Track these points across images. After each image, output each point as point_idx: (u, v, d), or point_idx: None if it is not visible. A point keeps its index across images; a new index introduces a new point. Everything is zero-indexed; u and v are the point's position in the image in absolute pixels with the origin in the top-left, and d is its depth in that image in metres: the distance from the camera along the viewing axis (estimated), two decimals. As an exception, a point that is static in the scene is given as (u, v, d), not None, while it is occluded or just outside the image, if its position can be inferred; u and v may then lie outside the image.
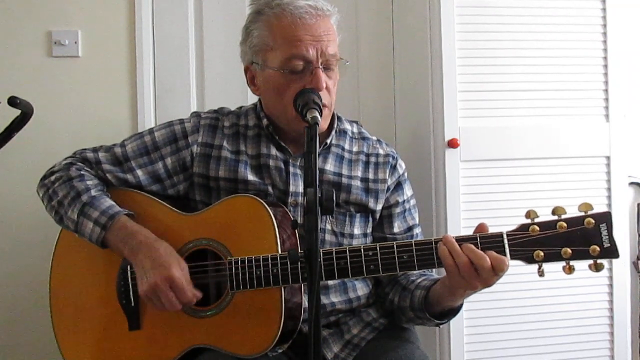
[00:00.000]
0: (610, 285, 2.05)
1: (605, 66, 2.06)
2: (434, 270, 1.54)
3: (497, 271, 1.26)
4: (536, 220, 1.28)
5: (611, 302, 2.06)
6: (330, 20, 1.48)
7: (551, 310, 2.02)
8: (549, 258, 1.26)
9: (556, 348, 2.03)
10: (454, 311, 1.44)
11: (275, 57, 1.45)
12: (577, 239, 1.26)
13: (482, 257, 1.26)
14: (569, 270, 1.26)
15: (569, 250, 1.25)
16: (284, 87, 1.44)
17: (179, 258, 1.38)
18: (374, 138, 1.65)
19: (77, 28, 2.08)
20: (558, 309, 2.02)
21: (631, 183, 2.29)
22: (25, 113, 1.60)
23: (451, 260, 1.27)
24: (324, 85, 1.42)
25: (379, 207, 1.57)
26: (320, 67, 1.43)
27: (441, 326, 1.58)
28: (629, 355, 2.08)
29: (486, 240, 1.29)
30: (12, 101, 1.51)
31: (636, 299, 2.25)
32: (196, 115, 1.59)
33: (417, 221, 1.64)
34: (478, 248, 1.27)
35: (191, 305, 1.38)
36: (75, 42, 2.07)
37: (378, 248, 1.33)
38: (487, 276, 1.27)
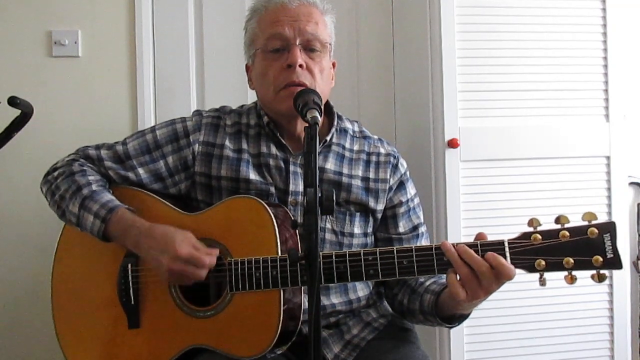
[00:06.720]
0: (610, 285, 2.05)
1: (605, 66, 2.06)
2: None
3: (501, 277, 1.25)
4: (539, 228, 1.26)
5: (611, 302, 2.06)
6: (315, 9, 1.52)
7: (551, 310, 2.02)
8: (550, 267, 1.25)
9: (556, 348, 2.02)
10: (465, 316, 1.43)
11: (260, 41, 1.51)
12: (579, 248, 1.24)
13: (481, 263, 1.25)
14: (571, 279, 1.25)
15: (571, 260, 1.23)
16: (266, 68, 1.49)
17: (176, 231, 1.37)
18: (375, 137, 1.64)
19: (77, 28, 2.08)
20: (558, 309, 2.02)
21: (631, 183, 2.29)
22: (25, 113, 1.61)
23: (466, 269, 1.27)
24: (298, 62, 1.45)
25: (380, 207, 1.57)
26: (298, 45, 1.47)
27: (452, 329, 1.55)
28: (629, 355, 2.07)
29: (487, 248, 1.27)
30: (12, 101, 1.52)
31: (636, 298, 2.26)
32: (198, 113, 1.59)
33: (422, 220, 1.63)
34: (479, 256, 1.27)
35: (212, 266, 1.36)
36: (75, 42, 2.07)
37: (378, 253, 1.32)
38: (489, 283, 1.26)
